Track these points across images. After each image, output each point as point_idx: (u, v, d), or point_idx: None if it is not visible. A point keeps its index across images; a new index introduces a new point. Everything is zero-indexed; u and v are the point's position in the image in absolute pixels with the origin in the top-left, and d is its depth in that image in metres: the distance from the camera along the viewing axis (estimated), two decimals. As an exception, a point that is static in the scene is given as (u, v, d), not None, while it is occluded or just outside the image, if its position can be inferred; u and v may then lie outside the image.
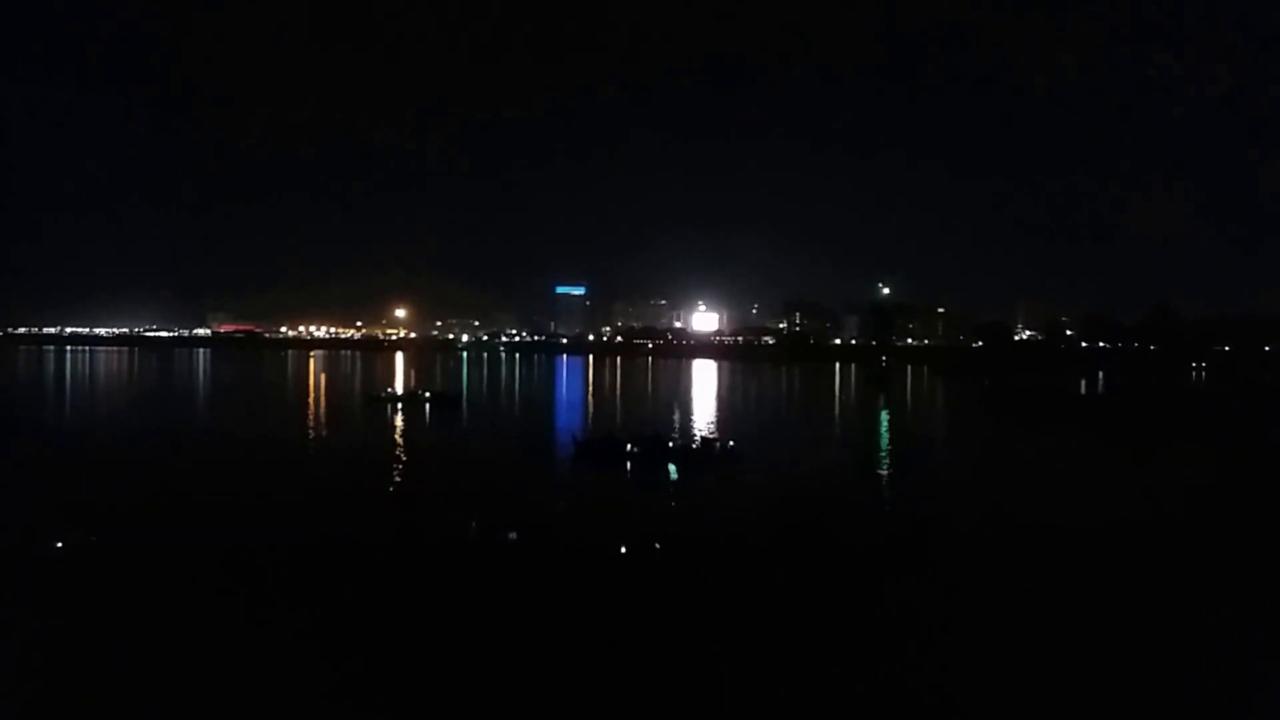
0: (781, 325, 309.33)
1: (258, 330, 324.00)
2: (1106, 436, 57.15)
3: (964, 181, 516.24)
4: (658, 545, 23.30)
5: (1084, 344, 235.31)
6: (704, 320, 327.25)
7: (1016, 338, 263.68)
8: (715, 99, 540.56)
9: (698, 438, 47.71)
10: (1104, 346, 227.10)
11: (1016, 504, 30.81)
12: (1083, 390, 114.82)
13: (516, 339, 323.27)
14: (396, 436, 49.90)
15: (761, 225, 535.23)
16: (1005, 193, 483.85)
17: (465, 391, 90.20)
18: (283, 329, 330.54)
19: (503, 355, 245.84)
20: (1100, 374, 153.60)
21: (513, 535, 24.00)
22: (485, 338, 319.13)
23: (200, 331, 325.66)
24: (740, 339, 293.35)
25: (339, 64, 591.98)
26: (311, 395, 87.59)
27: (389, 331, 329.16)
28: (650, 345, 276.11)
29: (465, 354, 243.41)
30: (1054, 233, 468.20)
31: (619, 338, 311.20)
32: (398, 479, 35.23)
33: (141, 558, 21.64)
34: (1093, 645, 16.43)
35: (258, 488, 32.19)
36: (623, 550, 22.84)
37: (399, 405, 69.18)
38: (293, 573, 20.49)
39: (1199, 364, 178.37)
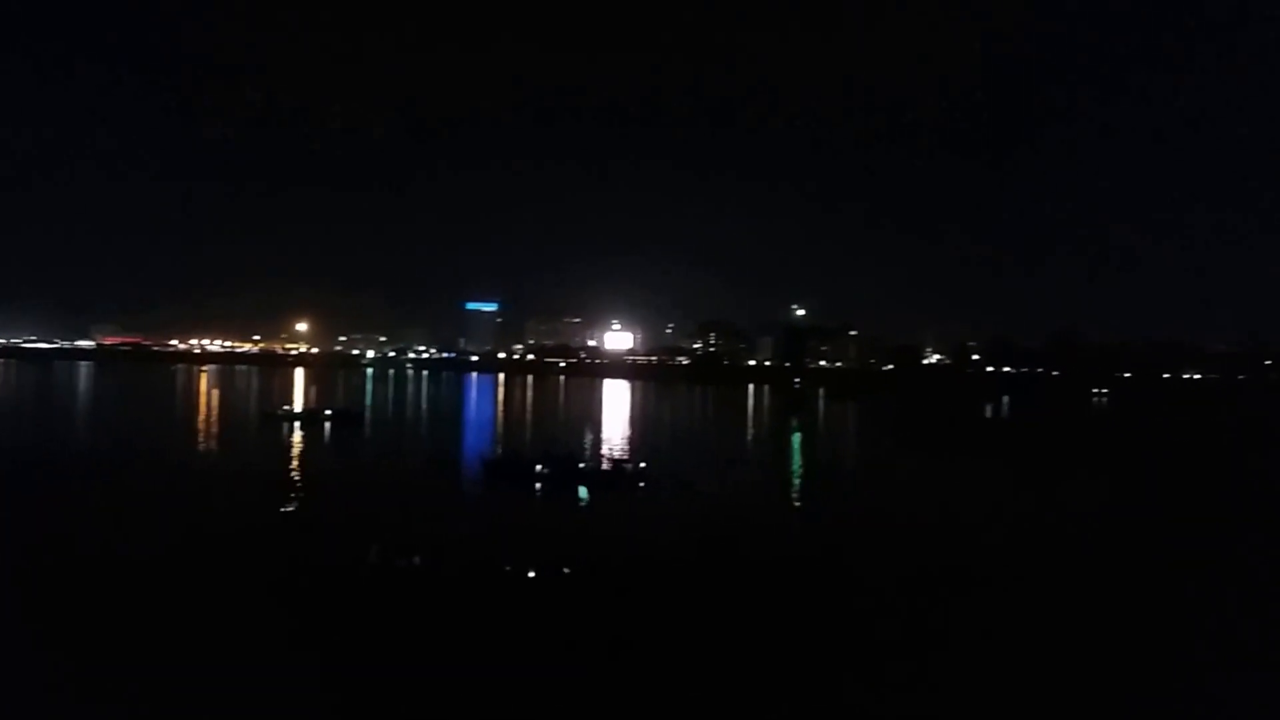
0: (696, 346, 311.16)
1: (145, 343, 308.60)
2: (1011, 460, 58.11)
3: (878, 208, 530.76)
4: (567, 570, 22.32)
5: (989, 368, 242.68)
6: (618, 340, 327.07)
7: (925, 361, 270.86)
8: (632, 123, 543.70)
9: (609, 459, 46.53)
10: (1008, 370, 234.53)
11: (922, 526, 30.70)
12: (988, 414, 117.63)
13: (425, 356, 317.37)
14: (293, 456, 47.22)
15: (677, 246, 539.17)
16: (914, 220, 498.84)
17: (369, 409, 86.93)
18: (172, 342, 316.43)
19: (410, 372, 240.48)
20: (1005, 398, 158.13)
21: (416, 560, 22.76)
22: (392, 354, 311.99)
23: (83, 343, 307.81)
24: (655, 359, 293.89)
25: (241, 70, 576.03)
26: (201, 412, 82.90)
27: (289, 346, 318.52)
28: (563, 364, 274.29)
29: (370, 371, 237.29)
30: (963, 260, 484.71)
31: (531, 356, 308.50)
32: (294, 502, 32.93)
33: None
34: (994, 658, 16.23)
35: (133, 515, 29.58)
36: (530, 574, 21.79)
37: (297, 423, 65.86)
38: (171, 603, 18.78)
39: (1100, 390, 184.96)
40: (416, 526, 27.63)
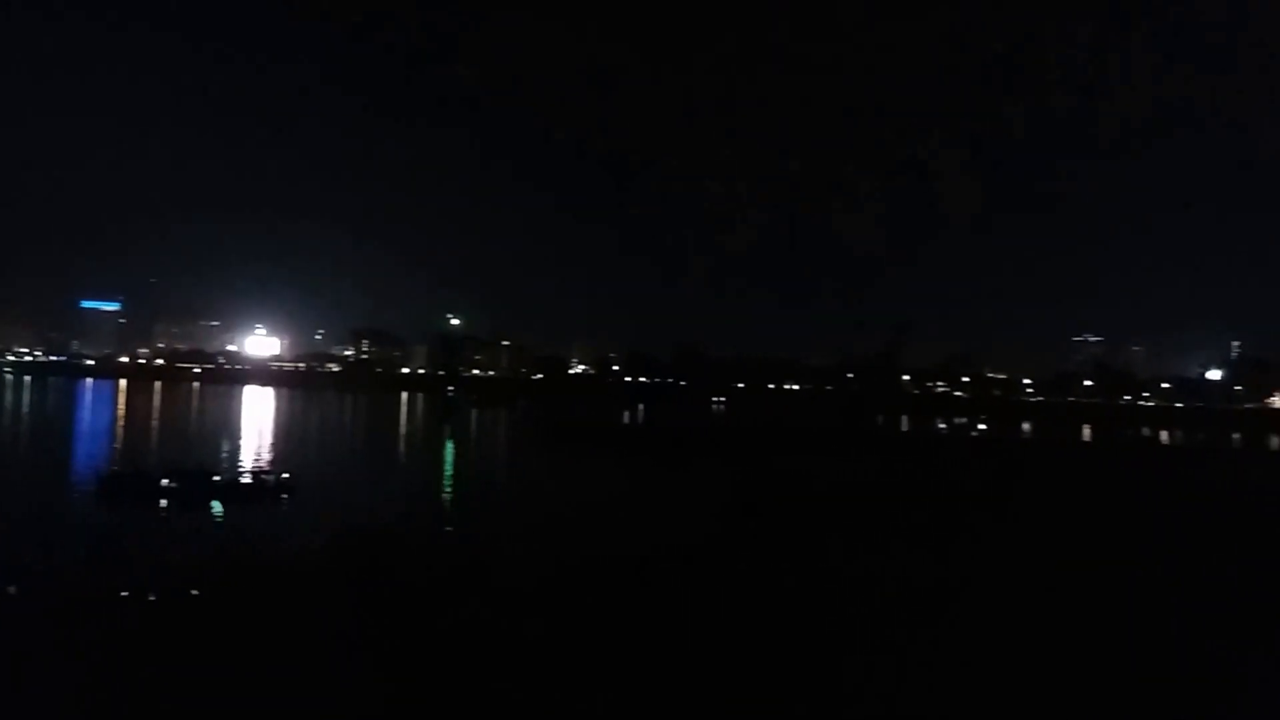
0: (348, 352, 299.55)
1: None
2: (653, 460, 63.44)
3: (533, 220, 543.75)
4: (195, 591, 21.45)
5: (627, 379, 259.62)
6: (262, 344, 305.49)
7: (571, 371, 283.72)
8: (281, 118, 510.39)
9: (248, 471, 44.47)
10: (643, 381, 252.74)
11: (572, 531, 32.87)
12: (626, 420, 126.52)
13: (28, 359, 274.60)
14: None
15: (329, 251, 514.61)
16: (563, 234, 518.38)
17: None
18: None
19: (9, 377, 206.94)
20: (640, 405, 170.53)
21: (11, 589, 20.70)
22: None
23: None
24: (302, 365, 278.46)
25: None
26: None
27: None
28: (198, 370, 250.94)
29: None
30: (609, 275, 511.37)
31: (160, 361, 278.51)
32: None
33: None
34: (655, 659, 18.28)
35: None
36: (151, 598, 20.74)
37: None
38: None
39: (719, 398, 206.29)
40: (16, 552, 24.87)
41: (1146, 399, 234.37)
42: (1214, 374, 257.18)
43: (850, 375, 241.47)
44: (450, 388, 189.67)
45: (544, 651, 17.90)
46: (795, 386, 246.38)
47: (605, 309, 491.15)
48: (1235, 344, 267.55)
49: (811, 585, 24.39)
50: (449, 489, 45.45)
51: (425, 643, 18.27)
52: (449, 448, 69.84)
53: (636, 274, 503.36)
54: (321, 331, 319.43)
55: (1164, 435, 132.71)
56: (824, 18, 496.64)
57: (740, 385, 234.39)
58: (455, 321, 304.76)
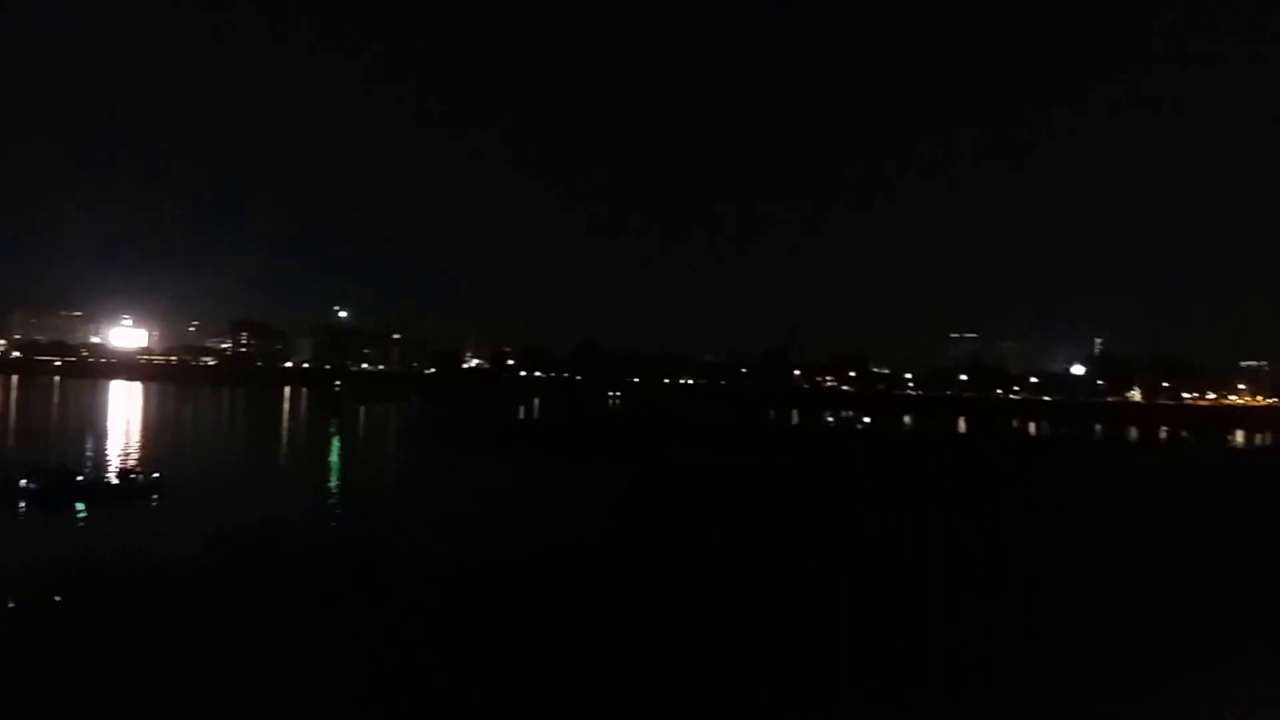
0: (225, 345, 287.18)
1: None
2: (546, 455, 63.11)
3: (424, 214, 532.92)
4: (58, 597, 20.24)
5: (523, 372, 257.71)
6: (128, 336, 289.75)
7: (466, 365, 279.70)
8: (146, 99, 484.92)
9: (115, 470, 41.97)
10: (539, 375, 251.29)
11: (462, 529, 32.20)
12: (521, 414, 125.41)
13: None
14: None
15: (202, 239, 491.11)
16: (451, 227, 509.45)
17: None
18: None
19: None
20: (536, 399, 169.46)
21: None
22: None
23: None
24: (175, 359, 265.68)
25: None
26: None
27: None
28: (59, 363, 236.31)
29: None
30: (506, 269, 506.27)
31: (17, 353, 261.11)
32: None
33: None
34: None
35: None
36: (10, 605, 19.54)
37: None
38: None
39: (615, 393, 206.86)
40: None
41: (1017, 393, 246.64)
42: (1078, 369, 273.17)
43: (744, 370, 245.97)
44: (337, 382, 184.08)
45: (429, 653, 17.55)
46: (690, 381, 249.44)
47: (502, 304, 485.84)
48: (1098, 341, 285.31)
49: (690, 582, 24.63)
50: (334, 487, 44.00)
51: (300, 647, 17.69)
52: (334, 444, 67.70)
53: (535, 268, 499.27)
54: (196, 323, 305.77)
55: (1032, 427, 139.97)
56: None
57: (636, 380, 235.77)
58: (343, 314, 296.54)
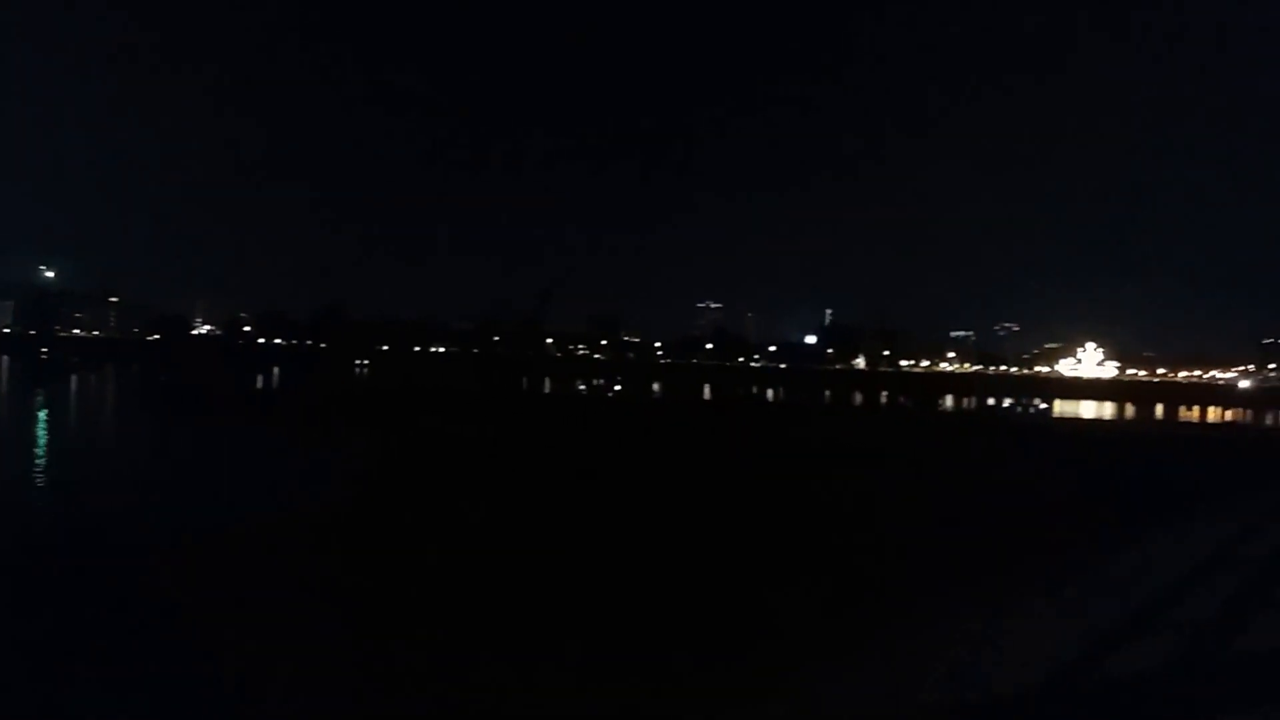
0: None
1: None
2: (283, 427, 60.68)
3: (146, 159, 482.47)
4: None
5: (260, 340, 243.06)
6: None
7: (195, 331, 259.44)
8: None
9: None
10: (279, 343, 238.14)
11: (192, 507, 31.00)
12: (259, 384, 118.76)
13: None
14: None
15: None
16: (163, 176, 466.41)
17: None
18: None
19: None
20: (276, 368, 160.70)
21: None
22: None
23: None
24: None
25: None
26: None
27: None
28: None
29: None
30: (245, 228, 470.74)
31: None
32: None
33: None
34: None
35: None
36: None
37: None
38: None
39: (363, 361, 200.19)
40: None
41: (756, 361, 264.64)
42: (810, 339, 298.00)
43: (496, 339, 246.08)
44: (44, 349, 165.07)
45: (162, 643, 17.33)
46: (441, 349, 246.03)
47: (237, 268, 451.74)
48: (829, 312, 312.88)
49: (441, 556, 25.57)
50: (44, 463, 40.40)
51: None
52: (41, 417, 61.47)
53: (276, 228, 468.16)
54: None
55: (769, 393, 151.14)
56: None
57: (384, 348, 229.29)
58: (49, 274, 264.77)
